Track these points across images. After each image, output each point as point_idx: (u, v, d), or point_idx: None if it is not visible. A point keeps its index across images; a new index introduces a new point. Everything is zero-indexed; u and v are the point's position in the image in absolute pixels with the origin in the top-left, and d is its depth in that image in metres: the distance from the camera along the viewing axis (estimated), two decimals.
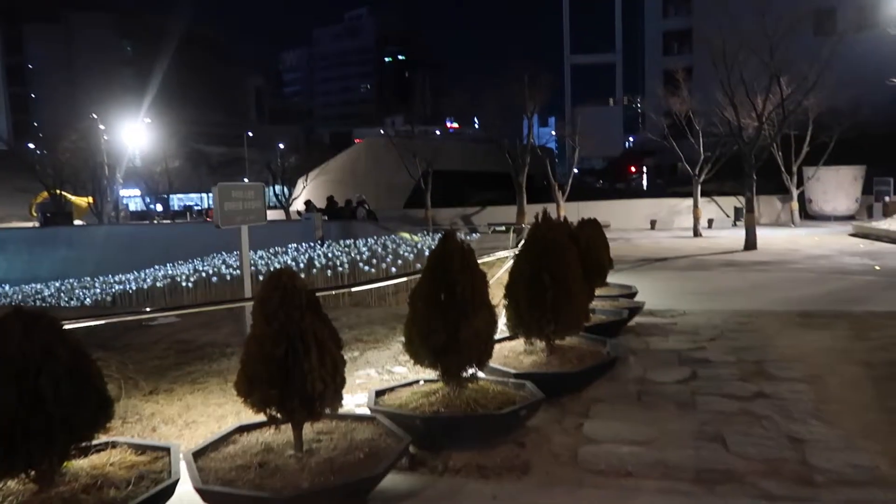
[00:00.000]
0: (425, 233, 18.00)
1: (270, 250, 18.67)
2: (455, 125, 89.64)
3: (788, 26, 18.33)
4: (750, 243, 18.27)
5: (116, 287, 14.43)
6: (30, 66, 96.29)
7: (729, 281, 12.05)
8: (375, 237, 17.61)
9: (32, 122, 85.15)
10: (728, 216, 30.36)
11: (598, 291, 7.33)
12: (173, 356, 6.60)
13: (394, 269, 9.90)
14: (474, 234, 16.71)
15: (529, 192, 29.91)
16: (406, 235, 18.35)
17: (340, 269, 10.21)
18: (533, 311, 4.66)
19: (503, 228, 18.51)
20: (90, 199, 50.72)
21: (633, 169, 58.76)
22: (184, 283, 12.47)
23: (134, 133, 54.34)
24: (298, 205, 41.79)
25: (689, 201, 27.13)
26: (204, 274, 13.20)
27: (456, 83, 33.25)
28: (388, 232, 18.75)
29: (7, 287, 31.78)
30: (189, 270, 15.36)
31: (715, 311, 8.23)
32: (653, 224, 29.61)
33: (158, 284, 13.66)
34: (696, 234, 24.60)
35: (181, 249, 25.92)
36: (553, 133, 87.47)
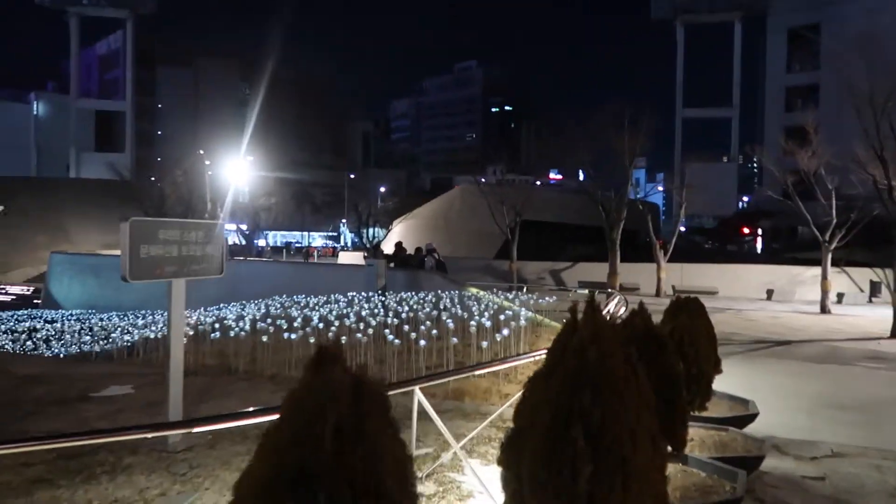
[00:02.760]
0: (494, 291, 15.64)
1: (331, 296, 16.92)
2: (559, 176, 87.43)
3: None
4: None
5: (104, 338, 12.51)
6: (160, 105, 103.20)
7: (885, 388, 8.94)
8: (439, 290, 15.44)
9: (156, 157, 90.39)
10: (862, 290, 26.06)
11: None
12: (47, 466, 4.59)
13: (422, 343, 7.62)
14: (549, 298, 14.15)
15: (629, 250, 27.00)
16: (473, 291, 16.08)
17: (360, 335, 8.09)
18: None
19: (585, 291, 15.88)
20: None
21: (746, 230, 54.02)
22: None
23: (236, 170, 55.59)
24: (388, 249, 40.66)
25: (814, 270, 23.37)
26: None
27: (560, 134, 30.91)
28: (456, 286, 16.55)
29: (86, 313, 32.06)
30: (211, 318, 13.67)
31: (883, 453, 5.40)
32: (769, 294, 25.83)
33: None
34: (824, 310, 20.87)
35: (249, 288, 24.91)
36: (660, 188, 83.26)
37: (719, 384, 5.77)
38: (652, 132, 23.47)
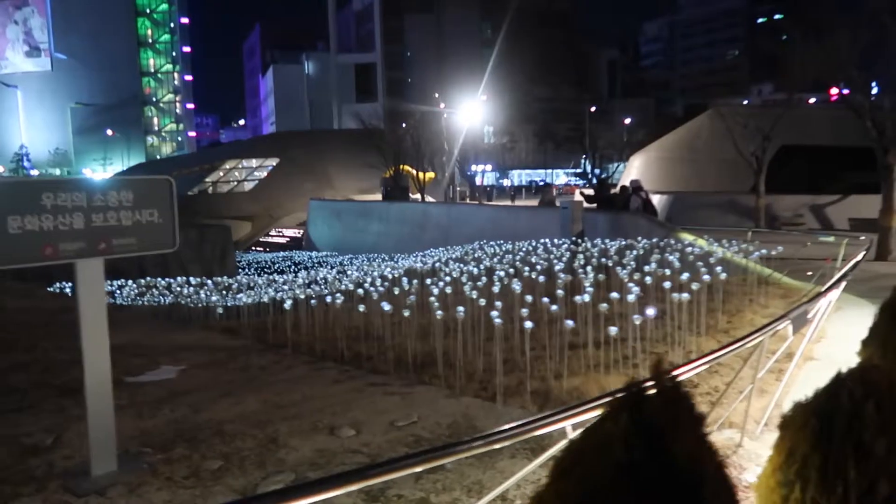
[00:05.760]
0: (706, 237, 12.48)
1: (515, 244, 15.24)
2: (844, 91, 74.00)
3: None
4: None
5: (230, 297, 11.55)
6: (408, 53, 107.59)
7: None
8: (640, 237, 12.89)
9: (405, 104, 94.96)
10: None
11: None
12: None
13: (528, 325, 5.60)
14: (770, 250, 10.64)
15: None
16: (687, 237, 13.20)
17: (460, 310, 6.28)
18: None
19: (831, 238, 11.87)
20: (432, 175, 53.56)
21: None
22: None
23: (472, 111, 55.27)
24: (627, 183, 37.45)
25: None
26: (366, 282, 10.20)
27: (828, 36, 24.47)
28: (664, 230, 13.74)
29: (334, 256, 34.37)
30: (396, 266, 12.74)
31: None
32: None
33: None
34: None
35: (459, 232, 24.25)
36: None
37: None
38: None
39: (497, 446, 2.48)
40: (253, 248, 54.26)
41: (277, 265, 33.53)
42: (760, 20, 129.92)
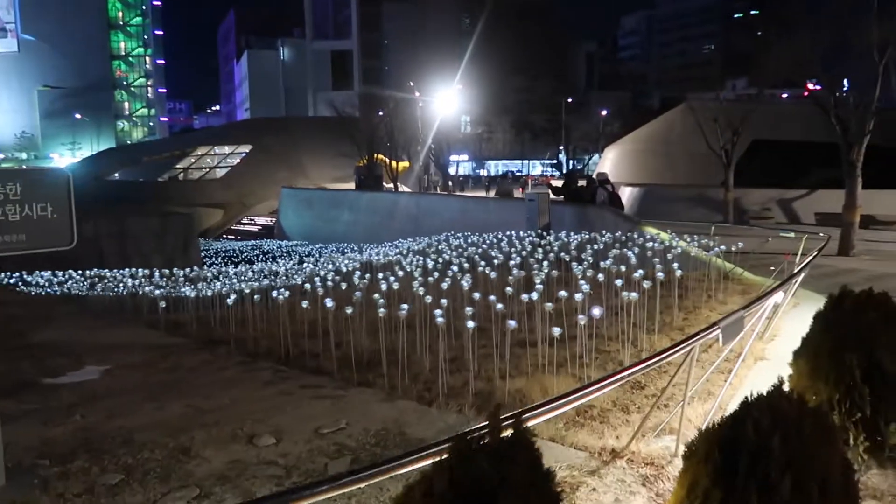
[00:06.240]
0: (672, 234, 12.38)
1: (485, 236, 15.05)
2: (818, 87, 74.66)
3: None
4: None
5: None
6: (385, 42, 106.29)
7: None
8: (604, 231, 12.77)
9: (382, 93, 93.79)
10: None
11: None
12: None
13: (470, 324, 5.39)
14: (731, 245, 10.57)
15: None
16: (652, 231, 13.14)
17: (404, 307, 6.06)
18: None
19: (791, 234, 11.83)
20: (406, 164, 53.12)
21: None
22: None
23: (447, 101, 54.69)
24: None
25: None
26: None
27: (795, 32, 24.43)
28: (630, 224, 13.62)
29: (307, 246, 33.87)
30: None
31: None
32: None
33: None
34: None
35: (429, 222, 24.01)
36: None
37: None
38: None
39: (346, 490, 2.25)
40: (224, 236, 53.49)
41: (246, 254, 33.00)
42: (736, 16, 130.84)
